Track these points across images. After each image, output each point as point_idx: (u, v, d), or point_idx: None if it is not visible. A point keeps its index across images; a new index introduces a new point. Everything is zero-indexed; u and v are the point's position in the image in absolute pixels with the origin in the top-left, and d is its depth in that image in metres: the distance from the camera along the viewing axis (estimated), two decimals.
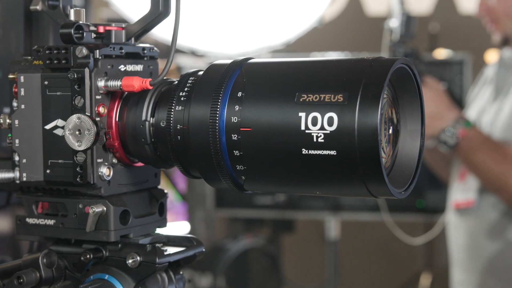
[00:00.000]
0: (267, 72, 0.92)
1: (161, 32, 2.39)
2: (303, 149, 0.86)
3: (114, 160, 0.98)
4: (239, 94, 0.90)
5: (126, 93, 0.98)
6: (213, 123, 0.90)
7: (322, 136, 0.85)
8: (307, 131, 0.85)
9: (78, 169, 0.96)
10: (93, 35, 0.98)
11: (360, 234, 3.94)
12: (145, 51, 1.02)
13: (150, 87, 0.95)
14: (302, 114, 0.86)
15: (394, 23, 2.31)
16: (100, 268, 0.99)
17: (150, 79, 0.95)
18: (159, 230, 1.05)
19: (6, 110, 1.12)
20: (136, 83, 0.95)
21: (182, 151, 0.94)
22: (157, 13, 0.97)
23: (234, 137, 0.90)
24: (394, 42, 2.30)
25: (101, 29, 0.99)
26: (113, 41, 0.98)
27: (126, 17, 2.50)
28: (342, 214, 3.02)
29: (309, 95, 0.86)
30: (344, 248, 3.53)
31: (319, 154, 0.85)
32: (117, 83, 0.95)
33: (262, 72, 0.92)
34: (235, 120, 0.90)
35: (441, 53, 3.09)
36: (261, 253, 3.43)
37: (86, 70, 0.95)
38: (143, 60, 1.01)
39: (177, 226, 3.36)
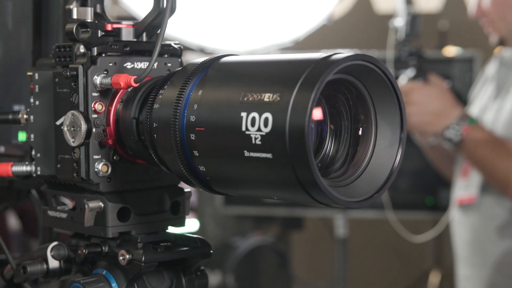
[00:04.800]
0: (228, 70, 0.89)
1: (170, 29, 2.39)
2: (245, 151, 0.81)
3: (116, 157, 0.98)
4: (199, 92, 0.87)
5: (130, 89, 0.98)
6: (174, 122, 0.88)
7: (259, 138, 0.80)
8: (247, 132, 0.81)
9: (74, 164, 0.97)
10: (101, 33, 0.98)
11: (369, 232, 3.94)
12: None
13: (135, 85, 0.94)
14: (244, 114, 0.81)
15: (399, 22, 2.32)
16: (103, 263, 1.00)
17: (135, 76, 0.94)
18: (173, 229, 1.04)
19: (16, 107, 1.13)
20: (122, 80, 0.94)
21: (161, 150, 0.92)
22: (158, 10, 0.96)
23: (192, 136, 0.87)
24: (399, 41, 2.32)
25: (109, 27, 0.99)
26: (123, 38, 0.99)
27: (135, 14, 2.50)
28: (351, 212, 3.02)
29: (252, 94, 0.81)
30: (353, 246, 3.53)
31: (257, 156, 0.80)
32: (108, 80, 0.95)
33: (224, 70, 0.89)
34: (193, 119, 0.87)
35: (450, 51, 3.08)
36: (270, 250, 3.43)
37: (80, 68, 0.95)
38: (158, 58, 1.00)
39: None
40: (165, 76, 0.95)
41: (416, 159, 2.66)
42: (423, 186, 2.95)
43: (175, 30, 2.42)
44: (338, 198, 0.80)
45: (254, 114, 0.80)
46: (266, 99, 0.80)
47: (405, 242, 3.01)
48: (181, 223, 1.04)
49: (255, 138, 0.80)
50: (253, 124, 0.80)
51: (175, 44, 1.03)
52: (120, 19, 1.02)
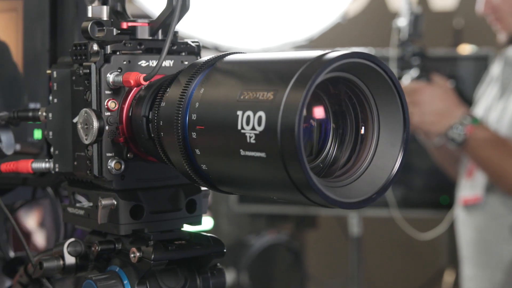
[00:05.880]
0: (229, 68, 0.87)
1: (185, 27, 2.40)
2: (241, 150, 0.79)
3: (129, 155, 0.98)
4: (201, 90, 0.86)
5: (143, 87, 0.98)
6: (176, 120, 0.87)
7: (254, 137, 0.78)
8: (242, 131, 0.79)
9: (88, 162, 0.97)
10: (116, 31, 0.98)
11: (383, 230, 3.93)
12: (175, 46, 1.01)
13: (144, 83, 0.94)
14: (240, 113, 0.79)
15: (402, 22, 2.32)
16: (117, 260, 1.00)
17: (145, 74, 0.94)
18: (188, 227, 1.03)
19: (32, 105, 1.13)
20: (132, 78, 0.94)
21: (167, 148, 0.92)
22: (171, 8, 0.96)
23: (193, 135, 0.86)
24: (402, 41, 2.31)
25: (124, 25, 0.99)
26: (138, 37, 0.99)
27: (150, 13, 2.51)
28: (366, 210, 3.02)
29: (248, 93, 0.79)
30: (368, 244, 3.53)
31: (252, 155, 0.78)
32: (120, 78, 0.95)
33: (226, 68, 0.87)
34: (194, 117, 0.85)
35: (465, 49, 3.07)
36: (284, 249, 3.43)
37: (93, 66, 0.96)
38: (174, 56, 1.01)
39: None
40: (174, 74, 0.95)
41: (431, 158, 2.66)
42: (438, 184, 2.94)
43: (190, 28, 2.42)
44: (333, 199, 0.78)
45: (249, 113, 0.78)
46: (260, 98, 0.78)
47: (420, 241, 3.00)
48: (197, 222, 1.04)
49: (250, 137, 0.78)
50: (248, 123, 0.78)
51: (192, 42, 1.03)
52: (135, 17, 1.02)
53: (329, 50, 0.78)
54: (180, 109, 0.87)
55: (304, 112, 0.83)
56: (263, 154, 0.77)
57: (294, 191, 0.77)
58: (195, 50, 1.03)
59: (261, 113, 0.77)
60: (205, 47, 2.71)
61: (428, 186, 3.00)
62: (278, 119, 0.75)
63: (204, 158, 0.86)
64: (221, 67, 0.88)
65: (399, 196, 2.97)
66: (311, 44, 2.84)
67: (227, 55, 0.90)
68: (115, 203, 0.97)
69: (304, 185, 0.76)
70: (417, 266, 4.05)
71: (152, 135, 0.94)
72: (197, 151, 0.86)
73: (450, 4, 3.98)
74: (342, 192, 0.82)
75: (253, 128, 0.78)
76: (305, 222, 3.65)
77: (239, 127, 0.79)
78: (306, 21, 2.67)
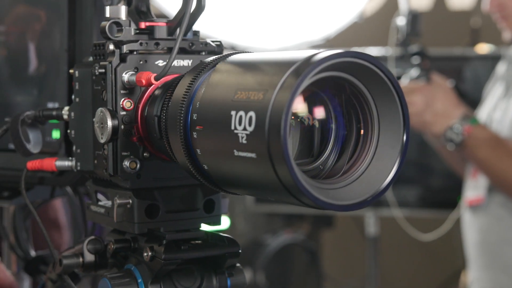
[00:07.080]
0: (229, 68, 0.87)
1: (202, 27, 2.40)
2: (234, 150, 0.79)
3: (146, 154, 0.98)
4: (202, 90, 0.86)
5: (159, 87, 0.98)
6: (179, 120, 0.88)
7: (245, 137, 0.77)
8: (235, 131, 0.79)
9: (104, 161, 0.97)
10: (134, 31, 0.98)
11: (400, 230, 3.92)
12: (194, 46, 1.01)
13: (155, 82, 0.95)
14: (233, 113, 0.79)
15: (401, 21, 2.31)
16: (133, 259, 1.00)
17: (155, 74, 0.94)
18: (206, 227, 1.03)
19: (50, 105, 1.14)
20: (144, 78, 0.95)
21: (173, 148, 0.91)
22: (186, 8, 0.96)
23: (194, 135, 0.85)
24: (401, 40, 2.30)
25: (142, 25, 0.99)
26: (156, 36, 0.99)
27: (167, 12, 2.52)
28: (383, 210, 3.01)
29: (242, 93, 0.79)
30: (384, 244, 3.52)
31: (244, 156, 0.78)
32: (134, 78, 0.96)
33: (226, 68, 0.87)
34: (195, 117, 0.85)
35: (483, 48, 3.05)
36: (300, 248, 3.43)
37: (108, 65, 0.96)
38: (193, 55, 1.00)
39: None
40: (184, 73, 0.95)
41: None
42: (454, 184, 2.93)
43: (207, 28, 2.43)
44: (323, 201, 0.77)
45: (242, 113, 0.78)
46: (252, 98, 0.78)
47: (437, 241, 2.99)
48: (215, 222, 1.04)
49: (242, 137, 0.78)
50: (240, 123, 0.78)
51: (213, 41, 1.03)
52: (158, 17, 1.03)
53: (322, 50, 0.77)
54: (183, 109, 0.87)
55: (305, 113, 0.83)
56: (253, 155, 0.77)
57: (285, 193, 0.77)
58: (215, 50, 1.02)
59: (251, 113, 0.77)
60: None
61: (445, 186, 2.99)
62: (266, 119, 0.75)
63: (205, 158, 0.86)
64: (222, 67, 0.88)
65: (416, 196, 2.96)
66: (328, 43, 2.83)
67: (230, 55, 0.89)
68: (130, 201, 0.98)
69: (292, 187, 0.75)
70: (434, 267, 4.03)
71: (165, 135, 0.94)
72: (198, 151, 0.86)
73: (467, 3, 3.97)
74: (337, 194, 0.80)
75: (245, 128, 0.78)
76: (321, 221, 3.64)
77: (232, 127, 0.79)
78: (323, 20, 2.67)
